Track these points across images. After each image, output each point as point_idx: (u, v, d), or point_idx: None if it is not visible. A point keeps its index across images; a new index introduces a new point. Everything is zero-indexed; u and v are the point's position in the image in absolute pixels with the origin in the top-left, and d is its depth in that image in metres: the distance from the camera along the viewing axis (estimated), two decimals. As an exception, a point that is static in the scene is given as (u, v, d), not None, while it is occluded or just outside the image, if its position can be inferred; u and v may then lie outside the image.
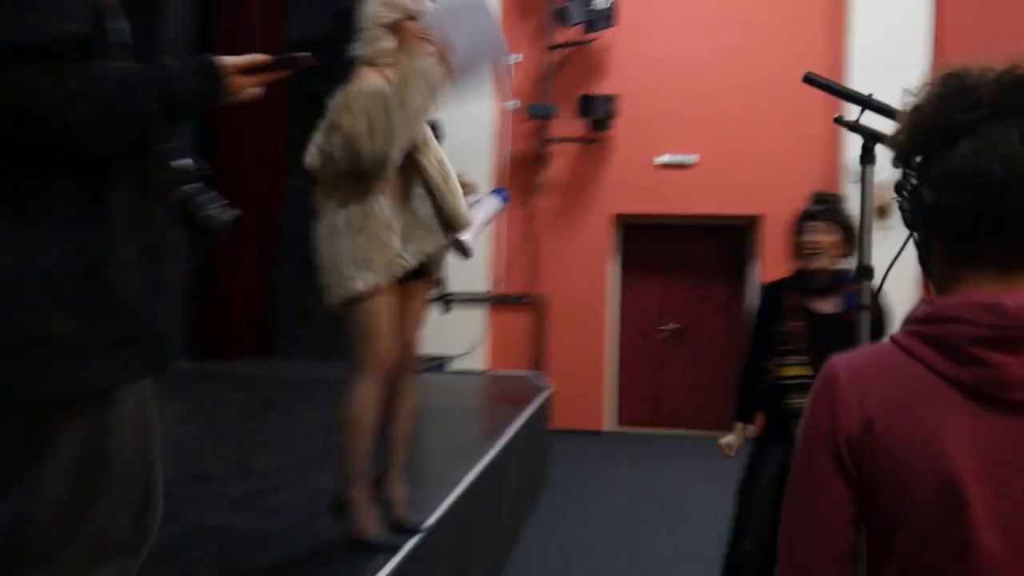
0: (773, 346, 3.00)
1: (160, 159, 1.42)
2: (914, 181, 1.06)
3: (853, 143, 7.53)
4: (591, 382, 8.24)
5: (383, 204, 2.68)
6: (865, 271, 1.74)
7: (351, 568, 2.59)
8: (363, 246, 2.65)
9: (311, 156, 2.74)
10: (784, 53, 7.92)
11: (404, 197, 2.77)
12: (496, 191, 3.03)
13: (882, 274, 1.43)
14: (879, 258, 6.82)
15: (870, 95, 1.67)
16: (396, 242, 2.70)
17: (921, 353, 1.01)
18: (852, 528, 1.03)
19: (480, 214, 2.97)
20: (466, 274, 8.20)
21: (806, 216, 3.03)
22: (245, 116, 7.52)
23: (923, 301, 1.05)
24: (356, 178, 2.65)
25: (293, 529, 2.92)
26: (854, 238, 2.98)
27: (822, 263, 2.96)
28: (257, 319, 8.03)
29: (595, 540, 5.05)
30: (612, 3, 7.87)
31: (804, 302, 2.98)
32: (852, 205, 8.13)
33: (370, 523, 2.72)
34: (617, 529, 5.29)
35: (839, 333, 2.76)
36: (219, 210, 1.50)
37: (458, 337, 8.09)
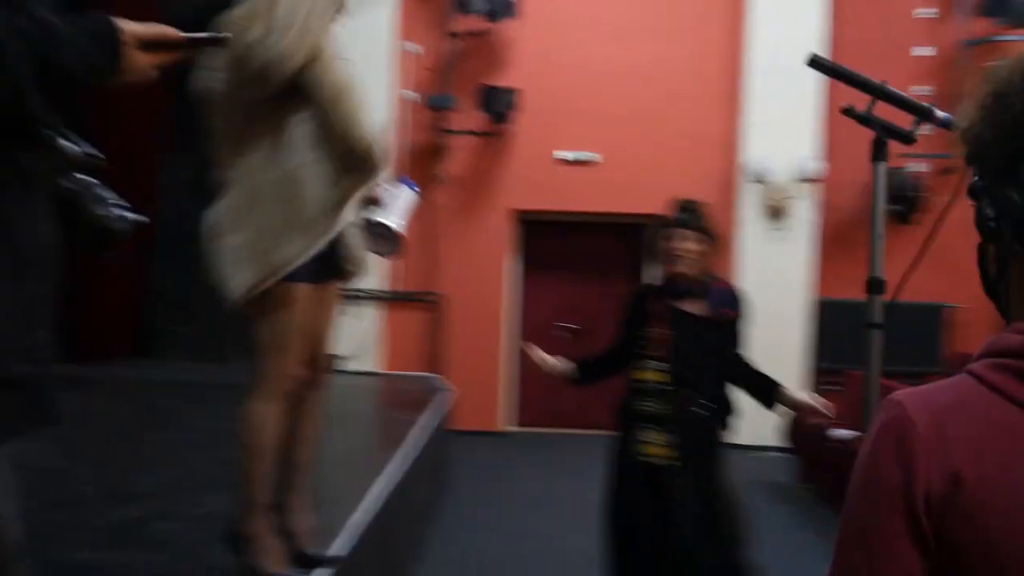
0: (636, 350, 3.00)
1: (36, 143, 1.10)
2: (997, 183, 0.88)
3: (751, 143, 7.67)
4: (490, 382, 8.05)
5: (308, 146, 2.30)
6: (877, 284, 1.54)
7: (251, 611, 2.30)
8: (294, 203, 2.27)
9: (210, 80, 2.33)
10: (685, 55, 7.94)
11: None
12: (403, 180, 2.73)
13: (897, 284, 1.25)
14: (776, 258, 6.89)
15: (883, 82, 1.48)
16: (327, 193, 2.32)
17: (1021, 394, 0.83)
18: None
19: (398, 204, 2.66)
20: (360, 270, 7.85)
21: (670, 224, 3.03)
22: (114, 92, 6.90)
23: (1011, 329, 0.87)
24: (273, 113, 2.28)
25: (181, 565, 2.59)
26: (716, 245, 3.04)
27: (687, 269, 2.97)
28: (131, 317, 7.45)
29: (504, 547, 4.87)
30: (515, -7, 7.68)
31: (671, 305, 3.00)
32: (747, 205, 8.15)
33: (273, 557, 2.42)
34: (525, 535, 5.13)
35: (705, 334, 2.97)
36: (118, 212, 1.19)
37: (351, 336, 7.74)
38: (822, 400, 3.01)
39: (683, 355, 2.91)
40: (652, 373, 2.94)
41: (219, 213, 2.37)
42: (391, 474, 3.77)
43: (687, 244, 2.96)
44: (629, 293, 3.26)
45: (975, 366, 0.87)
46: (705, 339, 2.95)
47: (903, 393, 0.88)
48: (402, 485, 3.89)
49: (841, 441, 5.76)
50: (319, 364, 2.58)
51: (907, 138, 1.41)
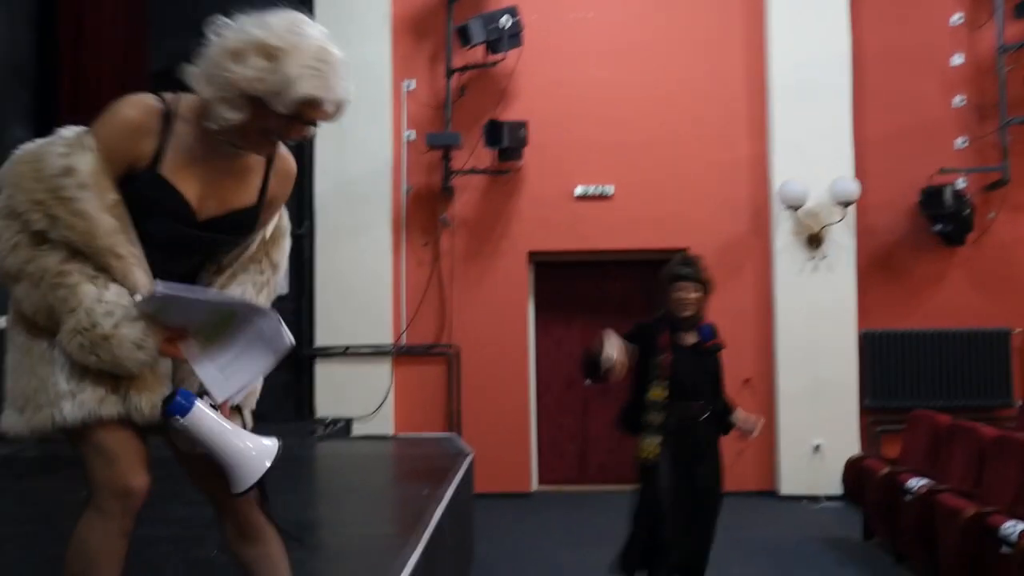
0: (647, 374, 3.87)
1: None
2: None
3: (781, 167, 7.11)
4: (515, 439, 7.41)
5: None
6: None
7: None
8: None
9: None
10: (703, 76, 7.44)
11: None
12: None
13: None
14: (817, 289, 6.54)
15: None
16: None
17: None
18: None
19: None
20: (366, 325, 7.28)
21: (676, 277, 3.90)
22: None
23: None
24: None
25: None
26: (710, 291, 3.96)
27: (689, 313, 3.89)
28: None
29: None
30: (517, 20, 7.21)
31: (673, 338, 3.89)
32: (782, 234, 7.44)
33: None
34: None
35: (698, 358, 3.93)
36: None
37: (360, 396, 7.14)
38: (751, 418, 4.03)
39: (680, 377, 3.82)
40: (658, 391, 3.82)
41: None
42: (415, 564, 3.14)
43: (688, 294, 3.86)
44: (637, 328, 3.99)
45: None
46: (698, 362, 3.92)
47: None
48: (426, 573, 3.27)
49: (909, 491, 5.09)
50: (239, 511, 1.92)
51: None
